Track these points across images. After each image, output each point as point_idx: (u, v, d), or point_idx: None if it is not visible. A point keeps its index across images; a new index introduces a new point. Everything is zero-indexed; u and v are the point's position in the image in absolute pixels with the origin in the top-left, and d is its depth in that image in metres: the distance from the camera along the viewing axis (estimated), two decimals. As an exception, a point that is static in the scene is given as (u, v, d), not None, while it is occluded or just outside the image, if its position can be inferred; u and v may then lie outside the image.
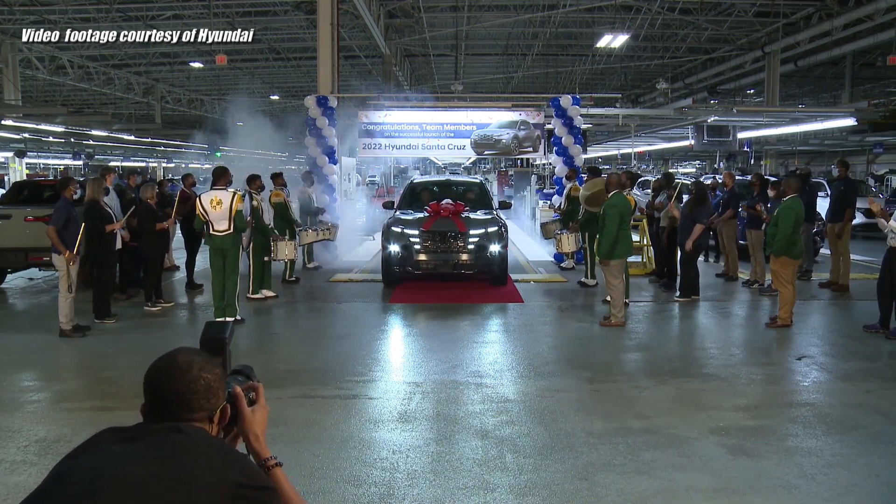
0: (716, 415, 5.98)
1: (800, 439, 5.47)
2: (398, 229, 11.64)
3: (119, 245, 9.62)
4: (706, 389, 6.73)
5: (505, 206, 14.21)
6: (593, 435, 5.50)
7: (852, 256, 12.02)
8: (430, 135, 15.27)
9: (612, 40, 19.31)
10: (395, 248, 11.49)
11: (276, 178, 12.38)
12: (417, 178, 17.24)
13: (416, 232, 11.50)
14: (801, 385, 7.10)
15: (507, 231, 12.03)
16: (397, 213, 12.77)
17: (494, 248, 11.45)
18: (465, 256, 11.43)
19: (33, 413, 6.16)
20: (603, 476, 4.77)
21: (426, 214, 11.90)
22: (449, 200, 12.42)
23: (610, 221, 9.19)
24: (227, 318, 9.19)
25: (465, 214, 11.90)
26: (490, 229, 11.62)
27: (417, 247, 11.42)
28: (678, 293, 10.98)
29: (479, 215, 12.23)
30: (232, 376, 2.04)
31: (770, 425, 5.77)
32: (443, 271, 11.59)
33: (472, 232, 11.47)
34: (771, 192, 10.92)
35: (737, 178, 14.02)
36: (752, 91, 32.59)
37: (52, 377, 7.35)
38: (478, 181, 15.16)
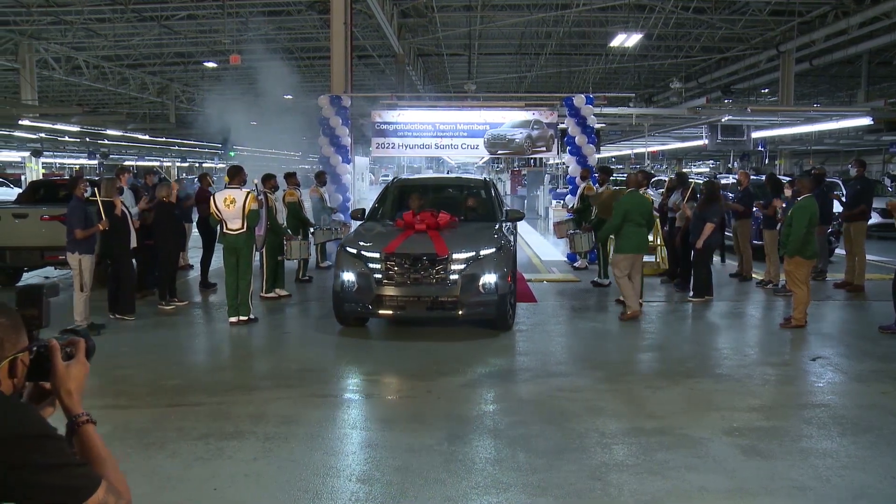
0: (729, 415, 5.96)
1: (814, 440, 5.45)
2: (353, 251, 8.66)
3: (134, 244, 9.68)
4: (720, 390, 6.71)
5: (515, 216, 10.41)
6: (606, 435, 5.49)
7: (867, 257, 11.93)
8: (443, 134, 15.26)
9: (626, 39, 19.26)
10: (348, 277, 8.49)
11: (290, 177, 12.44)
12: (402, 176, 13.90)
13: (377, 255, 8.45)
14: (815, 386, 7.06)
15: (511, 253, 8.97)
16: (361, 226, 10.09)
17: (489, 279, 8.29)
18: (445, 291, 8.26)
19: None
20: (616, 476, 4.77)
21: (395, 229, 9.14)
22: (436, 209, 9.58)
23: (613, 216, 9.64)
24: (242, 317, 9.24)
25: (448, 230, 8.95)
26: (484, 252, 8.45)
27: (378, 276, 8.33)
28: (692, 293, 10.95)
29: (471, 230, 9.20)
30: (62, 334, 2.00)
31: (784, 426, 5.75)
32: (414, 313, 8.50)
33: (455, 256, 8.31)
34: (787, 192, 10.86)
35: (751, 177, 13.97)
36: (766, 90, 32.42)
37: (68, 375, 7.39)
38: (481, 181, 11.62)
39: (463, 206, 10.26)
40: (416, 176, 14.49)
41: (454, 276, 8.27)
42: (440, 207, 9.58)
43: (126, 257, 9.58)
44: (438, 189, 11.31)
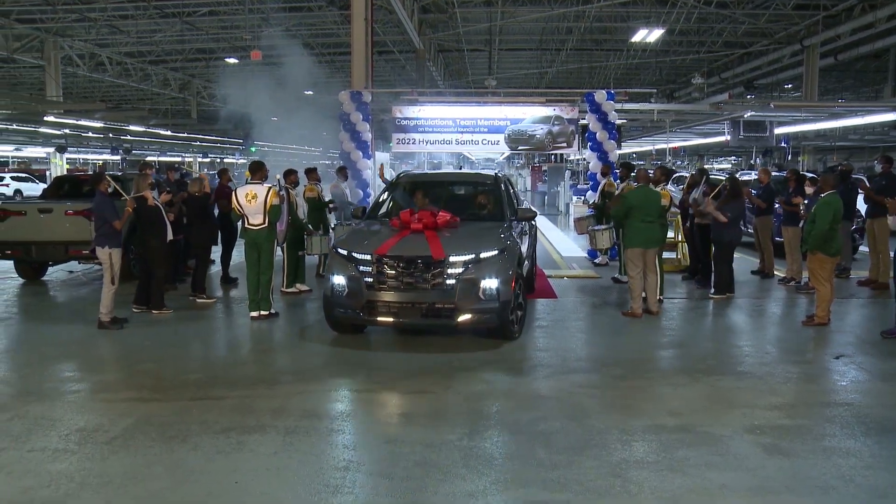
0: (751, 413, 5.92)
1: (837, 440, 5.40)
2: (343, 252, 8.12)
3: (170, 236, 9.80)
4: (741, 387, 6.66)
5: (526, 216, 9.65)
6: (626, 432, 5.48)
7: (892, 254, 11.79)
8: (463, 130, 15.25)
9: (648, 35, 19.19)
10: (338, 280, 7.99)
11: (311, 173, 12.47)
12: (406, 172, 13.00)
13: (368, 257, 7.91)
14: (838, 385, 7.00)
15: (517, 255, 8.29)
16: (358, 225, 9.55)
17: (489, 284, 7.71)
18: (441, 297, 7.68)
19: (73, 403, 6.29)
20: (636, 473, 4.76)
21: (391, 229, 8.57)
22: (441, 207, 9.04)
23: (614, 209, 9.95)
24: (263, 312, 9.31)
25: (448, 231, 8.35)
26: (485, 254, 7.84)
27: (369, 280, 7.81)
28: (713, 290, 10.88)
29: (473, 231, 8.59)
30: None
31: (806, 425, 5.70)
32: (408, 320, 7.88)
33: (452, 259, 7.73)
34: (809, 189, 10.76)
35: (773, 174, 13.85)
36: (789, 86, 32.16)
37: (91, 368, 7.49)
38: (490, 176, 10.71)
39: (468, 204, 9.75)
40: (422, 171, 13.71)
41: (451, 281, 7.67)
42: (445, 205, 9.13)
43: (160, 251, 9.66)
44: (443, 186, 10.65)
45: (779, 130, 23.23)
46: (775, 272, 12.46)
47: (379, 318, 7.85)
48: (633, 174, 12.37)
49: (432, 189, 9.77)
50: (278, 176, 10.60)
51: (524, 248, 9.31)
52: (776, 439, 5.33)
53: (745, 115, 19.85)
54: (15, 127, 30.13)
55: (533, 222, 10.81)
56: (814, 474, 4.76)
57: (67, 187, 13.51)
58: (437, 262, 7.69)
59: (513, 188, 10.98)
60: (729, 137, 23.04)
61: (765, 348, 8.26)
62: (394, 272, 7.76)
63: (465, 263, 7.75)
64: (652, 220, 9.56)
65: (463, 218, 8.91)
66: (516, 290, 8.05)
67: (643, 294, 9.68)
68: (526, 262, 9.54)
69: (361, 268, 7.87)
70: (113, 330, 8.76)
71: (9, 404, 6.16)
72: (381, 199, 10.17)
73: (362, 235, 8.61)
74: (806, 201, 10.97)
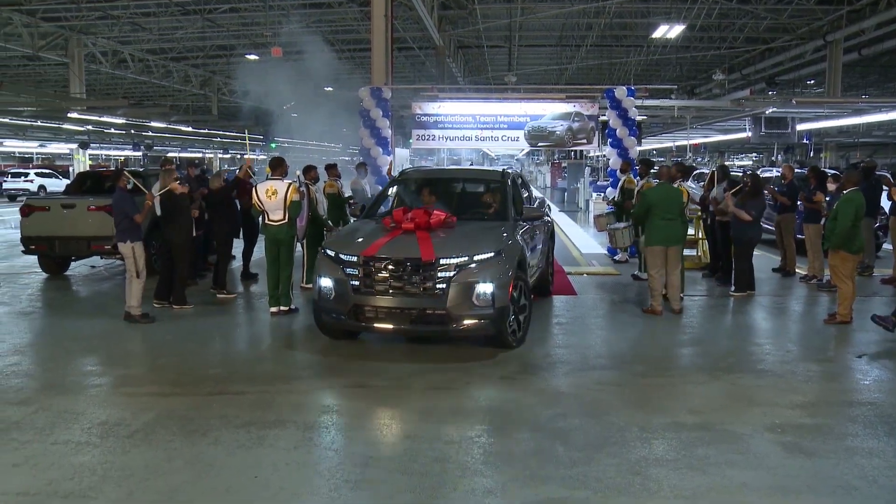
0: (771, 412, 5.88)
1: (860, 439, 5.35)
2: (331, 253, 7.69)
3: (193, 232, 9.89)
4: (761, 386, 6.62)
5: (532, 215, 8.99)
6: (646, 429, 5.46)
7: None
8: (483, 126, 15.24)
9: (668, 31, 19.04)
10: (325, 283, 7.56)
11: (331, 169, 12.51)
12: (409, 168, 12.33)
13: (355, 259, 7.45)
14: (861, 384, 6.93)
15: (517, 257, 7.76)
16: (351, 224, 9.17)
17: (484, 288, 7.19)
18: (432, 303, 7.19)
19: (95, 396, 6.36)
20: (655, 471, 4.74)
21: (382, 228, 8.09)
22: (443, 204, 8.64)
23: (635, 207, 10.04)
24: (283, 308, 9.36)
25: (443, 231, 7.87)
26: (479, 256, 7.35)
27: (355, 283, 7.36)
28: (733, 288, 10.81)
29: (470, 231, 8.04)
30: None
31: (828, 424, 5.66)
32: (397, 327, 7.44)
33: (444, 261, 7.23)
34: (832, 186, 10.65)
35: (795, 170, 13.73)
36: (812, 81, 31.82)
37: (113, 362, 7.56)
38: (497, 173, 9.94)
39: (471, 202, 9.35)
40: (425, 168, 13.17)
41: (442, 285, 7.17)
42: (446, 203, 8.71)
43: (185, 245, 9.72)
44: (446, 183, 9.91)
45: (801, 127, 22.97)
46: (796, 270, 12.35)
47: (366, 324, 7.43)
48: (653, 171, 12.33)
49: (434, 187, 9.16)
50: (298, 172, 10.65)
51: (535, 249, 9.09)
52: (797, 438, 5.29)
53: (767, 112, 19.65)
54: (39, 123, 30.47)
55: (547, 221, 10.52)
56: (836, 474, 4.72)
57: (90, 183, 13.64)
58: (427, 265, 7.20)
59: (524, 186, 10.48)
60: (750, 134, 22.81)
61: (786, 346, 8.20)
62: (382, 275, 7.28)
63: (458, 266, 7.24)
64: (672, 217, 9.48)
65: (465, 217, 8.58)
66: (515, 295, 7.54)
67: (664, 292, 9.64)
68: (538, 263, 9.37)
69: (348, 270, 7.41)
70: (143, 324, 8.84)
71: (33, 397, 6.23)
72: (379, 197, 9.78)
73: (352, 235, 8.19)
74: (828, 198, 10.87)
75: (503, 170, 10.00)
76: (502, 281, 7.31)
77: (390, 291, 7.27)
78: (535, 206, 9.93)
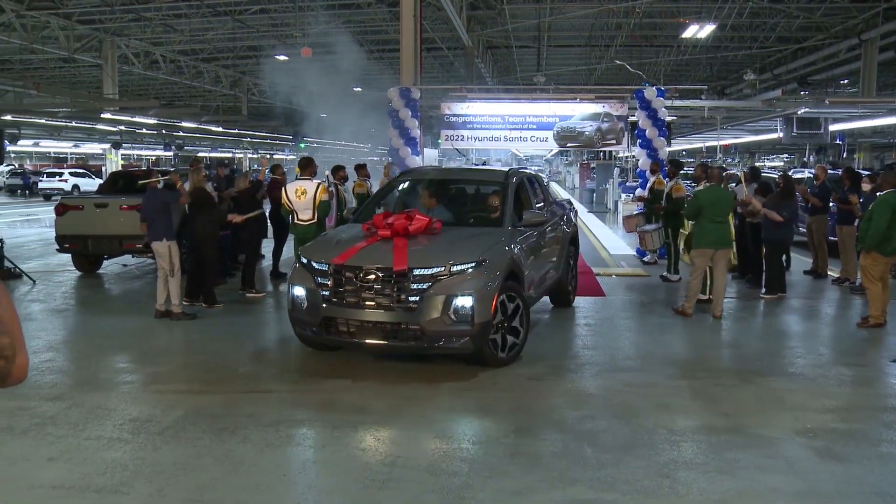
0: (803, 416, 5.81)
1: (894, 445, 5.27)
2: (304, 260, 7.20)
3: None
4: (792, 389, 6.54)
5: (532, 221, 8.07)
6: (675, 432, 5.42)
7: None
8: (512, 127, 15.23)
9: (699, 31, 18.87)
10: (298, 292, 7.10)
11: (360, 169, 12.57)
12: (409, 170, 11.54)
13: (325, 267, 6.94)
14: (895, 388, 6.83)
15: (505, 268, 7.06)
16: (334, 229, 8.82)
17: (462, 302, 6.58)
18: (406, 317, 6.60)
19: (127, 393, 6.45)
20: (684, 474, 4.71)
21: (361, 234, 7.46)
22: (439, 209, 8.17)
23: (686, 208, 9.83)
24: None
25: (424, 237, 7.23)
26: (459, 267, 6.72)
27: (325, 293, 6.85)
28: (764, 290, 10.69)
29: (455, 238, 7.35)
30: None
31: (861, 429, 5.58)
32: (369, 342, 6.82)
33: (417, 272, 6.66)
34: (867, 187, 10.50)
35: (828, 171, 13.55)
36: (845, 81, 31.35)
37: (144, 360, 7.66)
38: (501, 174, 9.12)
39: (469, 206, 8.79)
40: (426, 168, 12.58)
41: (414, 299, 6.57)
42: (446, 206, 8.37)
43: (209, 240, 9.82)
44: (445, 185, 9.26)
45: (834, 127, 22.65)
46: (829, 272, 12.19)
47: (338, 338, 6.91)
48: (681, 171, 12.24)
49: (433, 189, 8.63)
50: (327, 172, 10.71)
51: (542, 257, 8.51)
52: (829, 443, 5.22)
53: (799, 112, 19.42)
54: (74, 124, 30.98)
55: (563, 224, 9.68)
56: (869, 481, 4.65)
57: (122, 183, 13.82)
58: (399, 275, 6.62)
59: (537, 188, 9.57)
60: (781, 134, 22.53)
61: (817, 350, 8.10)
62: (351, 286, 6.73)
63: (433, 277, 6.64)
64: (722, 220, 9.34)
65: (460, 222, 8.14)
66: (501, 309, 6.90)
67: (707, 296, 9.54)
68: (548, 272, 8.80)
69: (319, 279, 6.91)
70: (185, 320, 8.96)
71: (67, 393, 6.33)
72: (374, 200, 9.17)
73: (330, 241, 7.64)
74: (861, 199, 10.72)
75: (508, 171, 9.14)
76: (483, 294, 6.67)
77: (362, 303, 6.71)
78: (549, 209, 9.30)
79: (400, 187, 9.33)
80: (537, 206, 8.84)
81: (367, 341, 6.81)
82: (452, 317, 6.57)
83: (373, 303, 6.68)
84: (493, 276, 6.83)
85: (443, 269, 6.68)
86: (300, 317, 7.12)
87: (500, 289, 6.86)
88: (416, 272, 6.63)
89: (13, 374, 1.76)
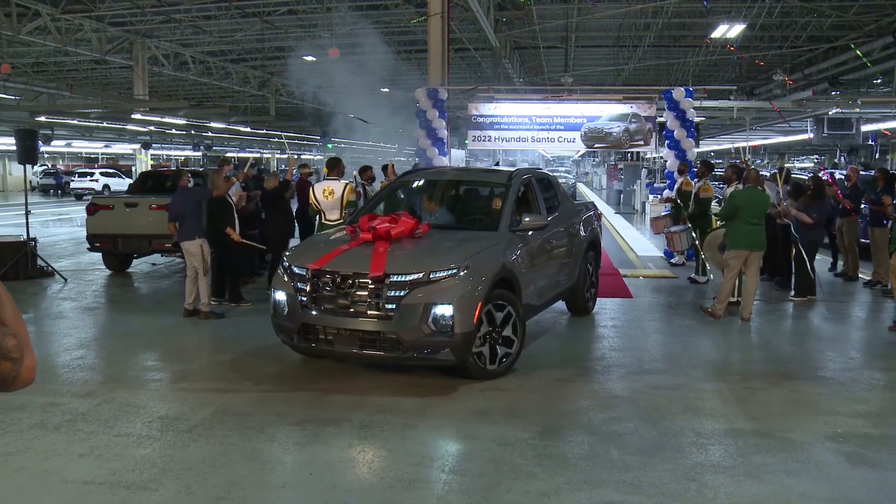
0: (833, 420, 5.74)
1: (926, 450, 5.19)
2: (286, 264, 7.02)
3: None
4: (822, 393, 6.46)
5: (532, 225, 7.56)
6: (702, 435, 5.38)
7: None
8: (539, 127, 15.19)
9: (728, 30, 18.70)
10: (279, 297, 6.90)
11: (387, 169, 12.61)
12: (409, 171, 10.87)
13: (303, 272, 6.71)
14: (927, 393, 6.73)
15: (492, 275, 6.65)
16: (328, 231, 8.44)
17: (441, 311, 6.27)
18: (383, 325, 6.34)
19: (156, 391, 6.52)
20: (711, 477, 4.67)
21: (345, 237, 7.22)
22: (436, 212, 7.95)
23: (722, 209, 9.64)
24: None
25: (408, 241, 6.94)
26: (438, 274, 6.39)
27: (303, 299, 6.66)
28: (793, 293, 10.57)
29: (440, 243, 7.02)
30: None
31: (894, 434, 5.50)
32: (344, 350, 6.56)
33: (395, 278, 6.39)
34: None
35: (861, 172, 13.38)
36: (878, 80, 30.89)
37: (172, 358, 7.74)
38: (504, 176, 8.37)
39: (466, 209, 8.45)
40: (427, 168, 12.16)
41: (390, 306, 6.30)
42: (445, 208, 8.13)
43: (235, 244, 9.89)
44: (445, 186, 8.70)
45: (866, 127, 22.32)
46: (860, 275, 12.03)
47: (316, 346, 6.66)
48: (711, 172, 12.15)
49: (433, 190, 8.34)
50: (355, 172, 10.76)
51: (550, 263, 8.17)
52: (861, 448, 5.15)
53: (830, 112, 19.17)
54: (105, 125, 31.37)
55: (581, 229, 9.20)
56: (901, 486, 4.59)
57: (151, 183, 13.98)
58: (375, 281, 6.37)
59: (545, 190, 8.84)
60: (812, 135, 22.25)
61: (848, 353, 7.99)
62: (330, 291, 6.52)
63: (411, 284, 6.34)
64: (758, 221, 9.20)
65: (458, 225, 7.89)
66: (485, 320, 6.58)
67: (736, 298, 9.45)
68: (559, 278, 8.47)
69: (298, 284, 6.71)
70: (213, 319, 9.06)
71: (97, 390, 6.42)
72: (372, 202, 8.87)
73: (314, 244, 7.45)
74: (894, 201, 10.55)
75: (513, 171, 8.62)
76: (465, 302, 6.34)
77: (338, 310, 6.50)
78: (564, 212, 8.93)
79: (400, 188, 9.07)
80: (546, 208, 8.39)
81: (343, 350, 6.56)
82: (431, 326, 6.28)
83: (350, 310, 6.45)
84: (478, 284, 6.48)
85: (421, 275, 6.37)
86: (281, 323, 6.91)
87: (487, 297, 6.54)
88: (394, 278, 6.38)
89: (21, 377, 1.76)
